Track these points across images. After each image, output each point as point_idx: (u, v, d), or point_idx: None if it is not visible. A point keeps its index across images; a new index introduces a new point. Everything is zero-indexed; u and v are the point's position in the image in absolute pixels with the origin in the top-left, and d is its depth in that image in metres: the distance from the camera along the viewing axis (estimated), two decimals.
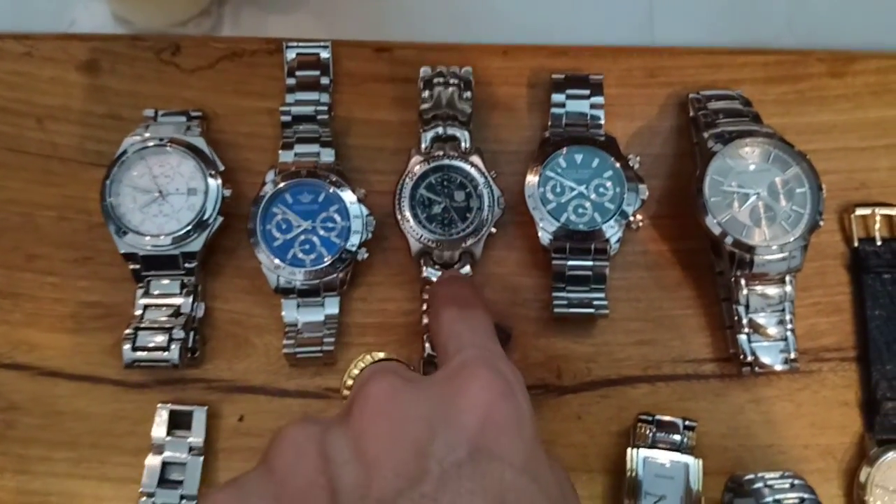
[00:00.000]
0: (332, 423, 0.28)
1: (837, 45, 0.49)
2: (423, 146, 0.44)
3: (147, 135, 0.44)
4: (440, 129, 0.44)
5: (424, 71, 0.45)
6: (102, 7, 0.50)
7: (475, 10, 0.51)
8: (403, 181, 0.44)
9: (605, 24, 0.51)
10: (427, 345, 0.43)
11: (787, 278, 0.43)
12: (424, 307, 0.43)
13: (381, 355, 0.33)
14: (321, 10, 0.52)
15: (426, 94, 0.44)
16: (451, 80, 0.44)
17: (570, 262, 0.43)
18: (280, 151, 0.45)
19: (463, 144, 0.44)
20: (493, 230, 0.44)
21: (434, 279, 0.43)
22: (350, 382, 0.32)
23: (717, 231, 0.42)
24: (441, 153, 0.44)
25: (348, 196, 0.44)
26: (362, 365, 0.33)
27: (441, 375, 0.30)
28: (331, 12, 0.52)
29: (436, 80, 0.45)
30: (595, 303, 0.44)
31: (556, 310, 0.43)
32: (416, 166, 0.44)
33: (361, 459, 0.26)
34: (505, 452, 0.27)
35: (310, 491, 0.26)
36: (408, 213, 0.43)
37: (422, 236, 0.43)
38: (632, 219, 0.43)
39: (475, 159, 0.44)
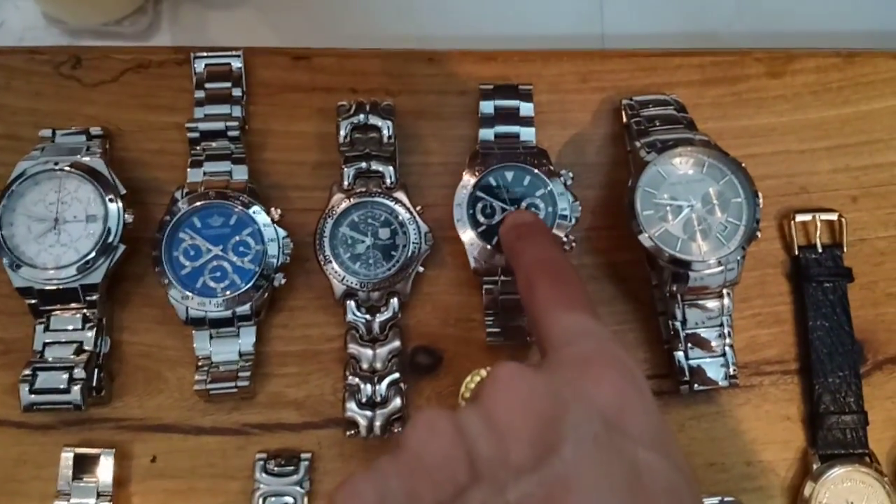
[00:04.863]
0: (464, 406, 0.29)
1: (789, 31, 0.48)
2: (345, 182, 0.42)
3: (42, 158, 0.41)
4: (363, 164, 0.42)
5: (341, 107, 0.42)
6: (33, 7, 0.47)
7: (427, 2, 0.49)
8: (325, 220, 0.41)
9: (555, 13, 0.49)
10: (349, 375, 0.41)
11: (725, 291, 0.41)
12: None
13: None
14: (263, 5, 0.49)
15: (345, 133, 0.41)
16: (372, 120, 0.42)
17: (503, 292, 0.41)
18: (188, 170, 0.42)
19: (388, 180, 0.42)
20: (421, 269, 0.42)
21: (358, 325, 0.41)
22: (468, 395, 0.33)
23: (650, 245, 0.40)
24: (364, 189, 0.41)
25: (262, 218, 0.41)
26: (478, 378, 0.34)
27: (563, 362, 0.30)
28: (274, 8, 0.49)
29: (355, 120, 0.42)
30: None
31: (489, 339, 0.42)
32: (338, 204, 0.41)
33: (495, 431, 0.26)
34: (636, 431, 0.28)
35: (446, 463, 0.26)
36: (329, 254, 0.41)
37: (345, 278, 0.41)
38: (564, 240, 0.41)
39: (400, 195, 0.42)
